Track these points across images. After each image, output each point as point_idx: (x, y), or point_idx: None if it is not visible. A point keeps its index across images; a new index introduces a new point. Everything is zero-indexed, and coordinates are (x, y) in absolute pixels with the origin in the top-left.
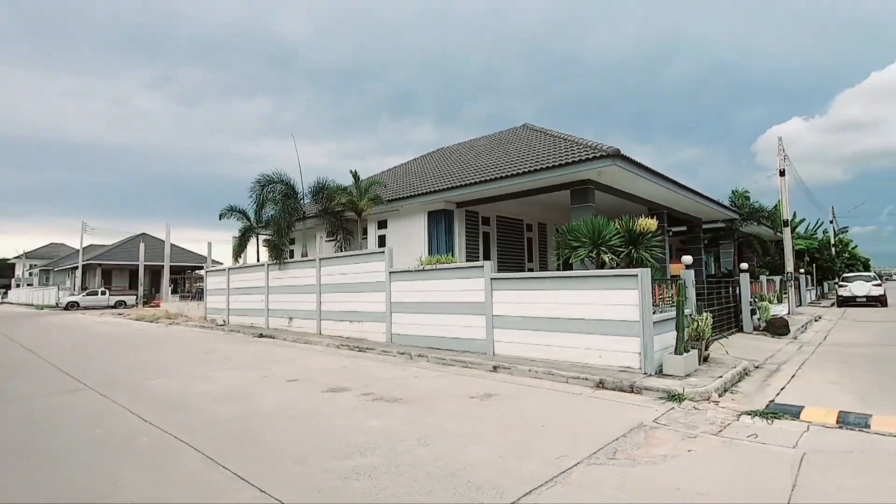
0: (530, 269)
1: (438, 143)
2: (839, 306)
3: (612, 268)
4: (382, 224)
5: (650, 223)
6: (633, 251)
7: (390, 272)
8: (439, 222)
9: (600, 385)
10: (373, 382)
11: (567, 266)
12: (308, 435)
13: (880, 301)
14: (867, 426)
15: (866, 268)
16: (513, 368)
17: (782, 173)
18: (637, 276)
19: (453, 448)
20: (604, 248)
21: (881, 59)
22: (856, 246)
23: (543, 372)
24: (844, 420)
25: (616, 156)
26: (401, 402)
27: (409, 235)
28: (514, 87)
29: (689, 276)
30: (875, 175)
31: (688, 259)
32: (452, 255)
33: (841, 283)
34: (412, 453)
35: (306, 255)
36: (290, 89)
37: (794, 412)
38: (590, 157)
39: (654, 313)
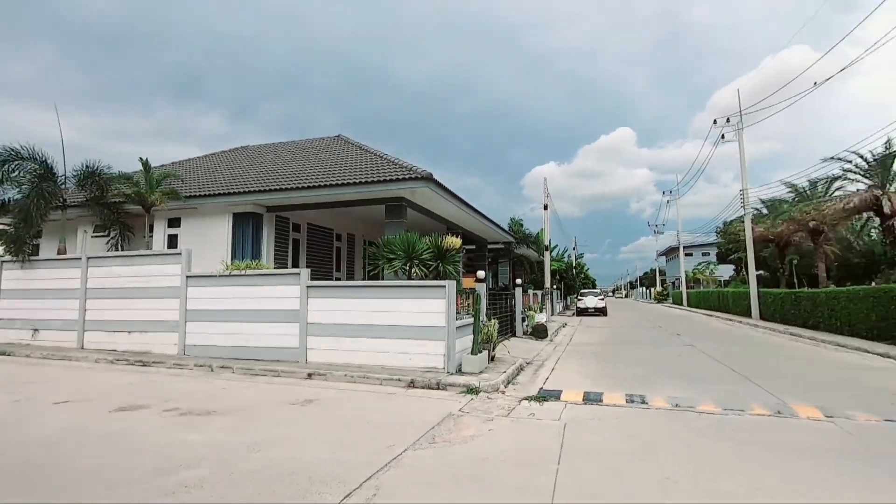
0: (338, 279)
1: (230, 138)
2: (578, 315)
3: (421, 279)
4: (174, 222)
5: (455, 241)
6: (440, 265)
7: (188, 276)
8: (247, 225)
9: (412, 384)
10: (175, 397)
11: (375, 276)
12: (113, 457)
13: (603, 312)
14: (601, 401)
15: (594, 286)
16: (328, 374)
17: (546, 207)
18: (445, 287)
19: (288, 451)
20: (416, 261)
21: (609, 125)
22: (588, 268)
23: (359, 376)
24: (587, 398)
25: (430, 179)
26: (216, 414)
27: (209, 237)
28: (318, 93)
29: (483, 289)
30: (600, 214)
31: (481, 274)
32: (259, 261)
33: (579, 297)
34: (246, 461)
35: (64, 252)
36: (27, 37)
37: (556, 395)
38: (408, 177)
39: (456, 320)
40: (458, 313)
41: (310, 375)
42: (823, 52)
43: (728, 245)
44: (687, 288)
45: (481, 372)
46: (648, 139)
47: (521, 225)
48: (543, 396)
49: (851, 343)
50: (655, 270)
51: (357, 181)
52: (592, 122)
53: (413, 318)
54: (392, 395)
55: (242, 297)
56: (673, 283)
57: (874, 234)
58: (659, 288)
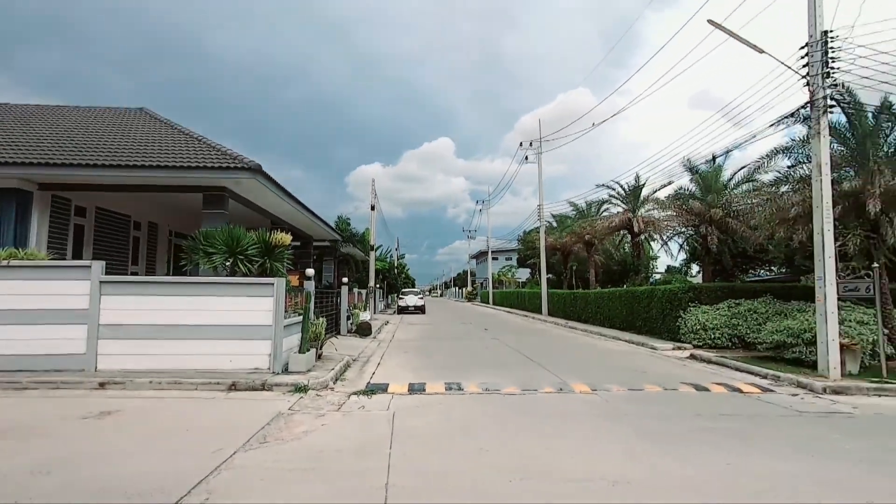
0: (134, 273)
1: None
2: (399, 313)
3: (245, 276)
4: None
5: (285, 237)
6: (267, 261)
7: None
8: (7, 205)
9: (233, 387)
10: None
11: (183, 271)
12: None
13: (422, 310)
14: (424, 390)
15: (413, 285)
16: (128, 383)
17: (373, 208)
18: (273, 284)
19: (89, 469)
20: (241, 257)
21: (432, 133)
22: (409, 268)
23: (169, 382)
24: (412, 389)
25: (258, 170)
26: None
27: None
28: (104, 49)
29: (312, 287)
30: (421, 217)
31: (310, 272)
32: (30, 250)
33: (400, 296)
34: (36, 486)
35: None
36: None
37: (384, 388)
38: (234, 166)
39: (284, 319)
40: (285, 312)
41: (102, 385)
42: (600, 99)
43: (527, 251)
44: (493, 288)
45: (309, 370)
46: (466, 151)
47: (349, 224)
48: (372, 390)
49: (610, 333)
50: (467, 272)
51: (173, 165)
52: (417, 129)
53: (236, 317)
54: (212, 400)
55: (2, 294)
56: (481, 283)
57: (627, 247)
58: (469, 288)
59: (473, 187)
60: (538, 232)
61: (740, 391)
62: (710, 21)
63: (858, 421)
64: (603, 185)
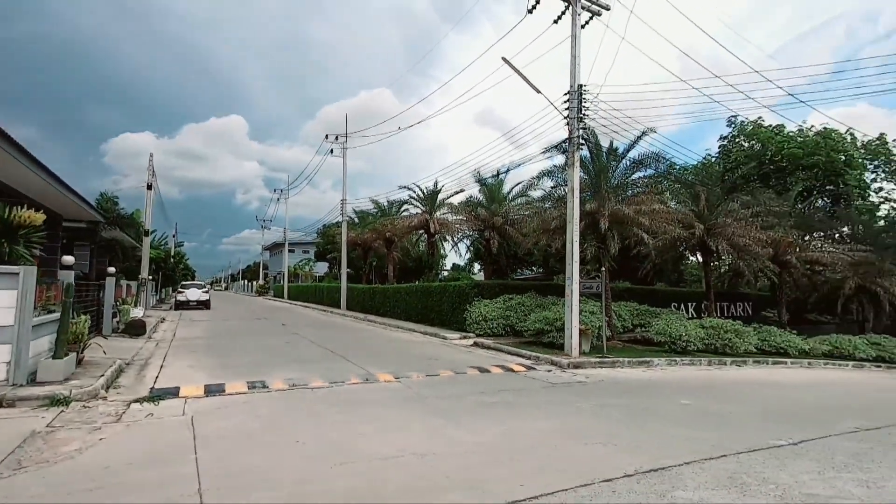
0: None
1: None
2: (177, 309)
3: None
4: None
5: (35, 216)
6: (6, 245)
7: None
8: None
9: None
10: None
11: None
12: None
13: (206, 305)
14: (224, 391)
15: (194, 277)
16: None
17: (150, 187)
18: (19, 274)
19: None
20: None
21: (221, 108)
22: (188, 258)
23: None
24: (209, 390)
25: None
26: None
27: None
28: None
29: (72, 277)
30: (203, 200)
31: (69, 259)
32: None
33: (180, 289)
34: None
35: None
36: None
37: (173, 392)
38: None
39: (33, 317)
40: (35, 308)
41: None
42: (402, 102)
43: (326, 245)
44: (288, 282)
45: (67, 379)
46: (261, 133)
47: (116, 203)
48: (158, 396)
49: (407, 325)
50: (260, 264)
51: None
52: (204, 100)
53: None
54: None
55: None
56: (275, 277)
57: (422, 245)
58: (262, 281)
59: (269, 174)
60: (339, 226)
61: (512, 370)
62: (503, 59)
63: (589, 386)
64: (405, 186)
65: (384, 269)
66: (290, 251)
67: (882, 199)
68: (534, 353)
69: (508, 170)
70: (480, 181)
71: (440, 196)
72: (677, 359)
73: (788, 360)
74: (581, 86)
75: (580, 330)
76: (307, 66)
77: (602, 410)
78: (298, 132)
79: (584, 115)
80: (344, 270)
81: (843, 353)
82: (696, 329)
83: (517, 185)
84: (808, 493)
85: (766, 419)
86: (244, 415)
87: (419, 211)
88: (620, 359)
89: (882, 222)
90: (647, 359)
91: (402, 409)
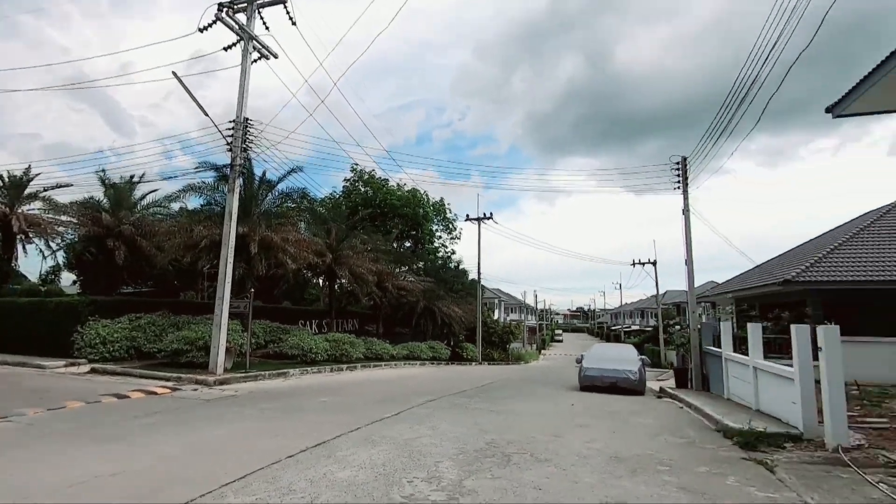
0: None
1: None
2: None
3: None
4: None
5: None
6: None
7: None
8: None
9: None
10: None
11: None
12: None
13: None
14: None
15: None
16: None
17: None
18: None
19: None
20: None
21: None
22: None
23: None
24: None
25: None
26: None
27: None
28: None
29: None
30: None
31: None
32: None
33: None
34: None
35: None
36: None
37: None
38: None
39: None
40: None
41: None
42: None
43: None
44: None
45: None
46: None
47: None
48: None
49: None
50: None
51: None
52: None
53: None
54: None
55: None
56: None
57: None
58: None
59: None
60: None
61: (156, 393)
62: (174, 73)
63: (243, 398)
64: None
65: None
66: None
67: (440, 245)
68: (175, 375)
69: (143, 174)
70: (105, 182)
71: (36, 187)
72: (309, 368)
73: (383, 363)
74: (247, 119)
75: (227, 348)
76: None
77: (264, 413)
78: None
79: (248, 145)
80: None
81: (415, 355)
82: (323, 342)
83: (150, 192)
84: (405, 438)
85: (377, 403)
86: None
87: None
88: (262, 372)
89: (440, 261)
90: (285, 370)
91: (46, 447)
